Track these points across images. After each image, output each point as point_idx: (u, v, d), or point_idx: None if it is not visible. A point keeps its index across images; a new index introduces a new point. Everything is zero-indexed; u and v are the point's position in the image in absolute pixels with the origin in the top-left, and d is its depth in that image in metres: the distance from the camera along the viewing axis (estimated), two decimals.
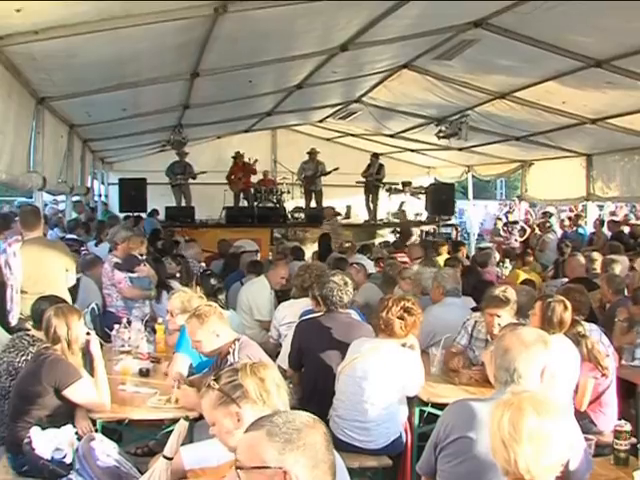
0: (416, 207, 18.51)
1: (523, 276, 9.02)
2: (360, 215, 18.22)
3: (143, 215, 14.82)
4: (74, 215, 13.07)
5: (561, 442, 2.37)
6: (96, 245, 10.45)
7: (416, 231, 17.41)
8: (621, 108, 10.10)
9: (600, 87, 9.26)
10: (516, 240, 16.39)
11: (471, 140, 13.52)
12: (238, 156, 16.63)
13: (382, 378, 4.58)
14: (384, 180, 17.37)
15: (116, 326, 6.04)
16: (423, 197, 17.99)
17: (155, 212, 15.57)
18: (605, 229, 14.68)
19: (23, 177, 7.14)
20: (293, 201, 18.03)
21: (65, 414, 4.25)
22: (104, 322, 7.15)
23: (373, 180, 17.08)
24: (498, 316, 5.07)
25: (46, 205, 13.60)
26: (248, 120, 15.22)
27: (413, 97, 12.42)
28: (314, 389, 5.12)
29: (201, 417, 3.80)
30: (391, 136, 16.53)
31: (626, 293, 6.89)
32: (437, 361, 5.37)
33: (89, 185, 14.24)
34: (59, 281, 6.29)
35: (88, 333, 4.51)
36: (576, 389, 4.65)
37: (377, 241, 16.08)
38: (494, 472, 2.60)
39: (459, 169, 19.11)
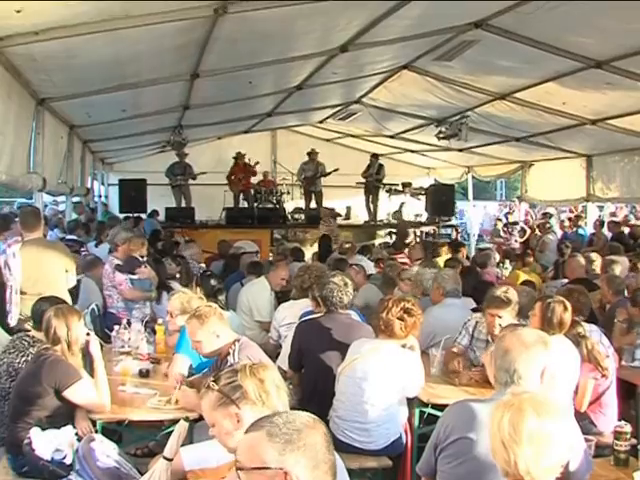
0: (416, 208, 18.50)
1: (523, 277, 9.01)
2: (360, 216, 18.22)
3: (143, 216, 14.81)
4: (74, 216, 13.05)
5: (561, 443, 2.37)
6: (96, 246, 10.45)
7: (416, 232, 17.43)
8: (621, 109, 10.10)
9: (600, 88, 9.26)
10: (516, 241, 16.39)
11: (471, 141, 13.52)
12: (239, 156, 16.61)
13: (382, 379, 4.58)
14: (384, 180, 17.36)
15: (116, 327, 6.04)
16: (423, 198, 17.99)
17: (155, 213, 15.57)
18: (605, 230, 14.67)
19: (23, 178, 7.14)
20: (293, 202, 18.03)
21: (65, 415, 4.25)
22: (105, 323, 7.16)
23: (373, 181, 17.07)
24: (499, 317, 5.07)
25: (46, 206, 13.61)
26: (248, 121, 15.22)
27: (413, 98, 12.42)
28: (314, 390, 5.12)
29: (201, 418, 3.80)
30: (391, 137, 16.54)
31: (626, 294, 6.89)
32: (437, 362, 5.37)
33: (89, 186, 14.23)
34: (59, 282, 6.29)
35: (88, 334, 4.52)
36: (576, 390, 4.65)
37: (377, 242, 16.08)
38: (494, 473, 2.60)
39: (459, 170, 19.11)
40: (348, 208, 18.36)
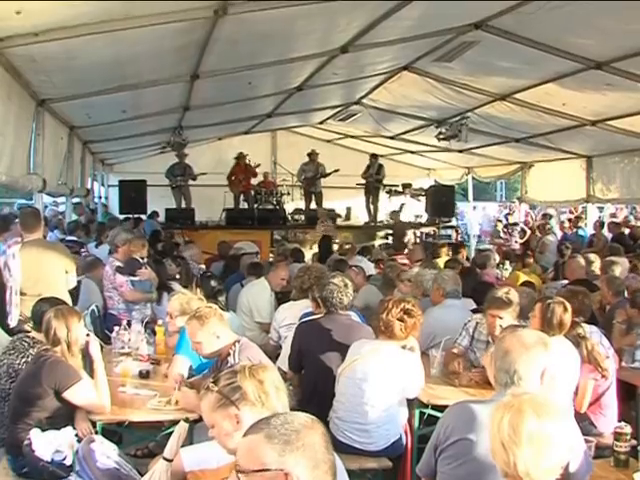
0: (416, 209, 18.50)
1: (523, 278, 9.01)
2: (360, 217, 18.22)
3: (143, 217, 14.81)
4: (74, 217, 13.06)
5: (561, 445, 2.37)
6: (96, 247, 10.46)
7: (416, 233, 17.44)
8: (621, 110, 10.11)
9: (600, 89, 9.27)
10: (516, 242, 16.38)
11: (471, 142, 13.53)
12: (241, 157, 16.60)
13: (382, 380, 4.58)
14: (384, 181, 17.37)
15: (116, 328, 6.04)
16: (423, 199, 17.99)
17: (155, 214, 15.56)
18: (606, 231, 14.66)
19: (23, 179, 7.14)
20: (293, 203, 18.05)
21: (65, 416, 4.25)
22: (105, 324, 7.16)
23: (373, 181, 17.08)
24: (500, 318, 5.07)
25: (46, 207, 13.60)
26: (248, 122, 15.22)
27: (413, 99, 12.42)
28: (314, 391, 5.12)
29: (201, 419, 3.78)
30: (391, 138, 16.54)
31: (626, 295, 6.89)
32: (437, 363, 5.37)
33: (89, 187, 14.23)
34: (59, 283, 6.29)
35: (88, 335, 4.52)
36: (576, 391, 4.65)
37: (377, 243, 16.09)
38: (494, 474, 2.60)
39: (459, 171, 19.12)
40: (348, 209, 18.37)
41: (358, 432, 4.62)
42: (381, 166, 17.21)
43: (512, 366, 3.02)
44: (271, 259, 12.23)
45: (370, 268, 9.73)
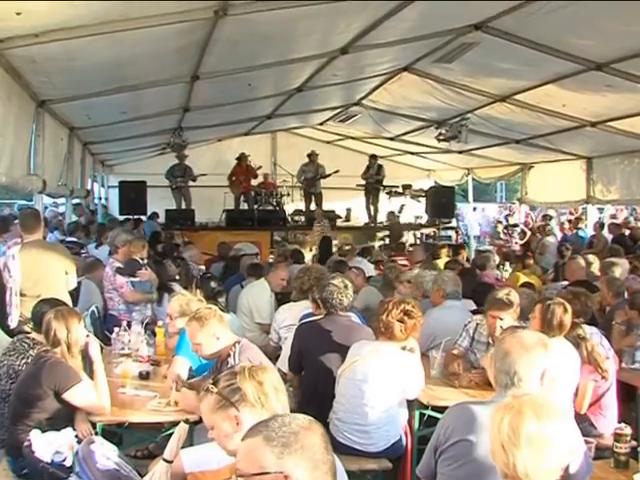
0: (416, 210, 18.51)
1: (523, 279, 9.01)
2: (360, 218, 18.22)
3: (143, 218, 14.81)
4: (74, 218, 13.07)
5: (561, 446, 2.37)
6: (96, 248, 10.45)
7: (416, 234, 17.45)
8: (621, 111, 10.11)
9: (600, 90, 9.27)
10: (516, 243, 16.38)
11: (471, 143, 13.54)
12: (242, 157, 16.60)
13: (382, 381, 4.58)
14: (384, 182, 17.36)
15: (116, 329, 6.04)
16: (423, 200, 17.99)
17: (155, 215, 15.56)
18: (606, 232, 14.66)
19: (23, 180, 7.14)
20: (293, 204, 18.05)
21: (65, 417, 4.25)
22: (106, 325, 7.16)
23: (373, 182, 17.08)
24: (501, 319, 5.06)
25: (46, 208, 13.60)
26: (248, 123, 15.23)
27: (413, 100, 12.43)
28: (314, 392, 5.12)
29: (201, 420, 3.77)
30: (391, 139, 16.55)
31: (626, 296, 6.88)
32: (437, 364, 5.37)
33: (89, 188, 14.25)
34: (59, 284, 6.28)
35: (87, 336, 4.52)
36: (576, 392, 4.64)
37: (377, 244, 16.09)
38: (494, 475, 2.60)
39: (459, 172, 19.12)
40: (348, 210, 18.36)
41: (358, 433, 4.62)
42: (381, 166, 17.21)
43: (512, 367, 3.02)
44: (271, 260, 12.23)
45: (370, 269, 9.74)
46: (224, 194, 16.65)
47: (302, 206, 17.56)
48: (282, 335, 6.27)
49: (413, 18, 7.54)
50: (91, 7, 5.08)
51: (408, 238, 17.01)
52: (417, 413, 4.91)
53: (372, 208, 17.49)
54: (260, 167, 16.97)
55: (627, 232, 14.70)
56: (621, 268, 8.35)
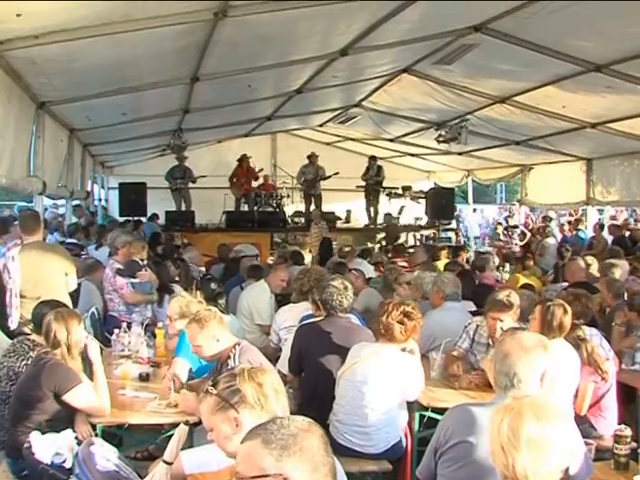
0: (416, 211, 18.51)
1: (523, 280, 9.01)
2: (361, 220, 18.21)
3: (143, 219, 14.81)
4: (74, 219, 13.07)
5: (561, 449, 2.36)
6: (96, 249, 10.45)
7: (416, 235, 17.45)
8: (621, 112, 10.12)
9: (600, 91, 9.28)
10: (516, 244, 16.39)
11: (471, 144, 13.55)
12: (244, 159, 16.59)
13: (382, 383, 4.57)
14: (384, 183, 17.34)
15: (116, 330, 6.04)
16: (423, 201, 17.99)
17: (155, 216, 15.56)
18: (606, 233, 14.67)
19: (23, 181, 7.15)
20: (293, 205, 18.04)
21: (65, 419, 4.24)
22: (106, 327, 7.15)
23: (373, 183, 17.07)
24: (501, 320, 5.06)
25: (46, 209, 13.59)
26: (248, 124, 15.24)
27: (413, 101, 12.44)
28: (314, 394, 5.12)
29: (201, 422, 3.78)
30: (391, 140, 16.57)
31: (626, 297, 6.88)
32: (437, 365, 5.36)
33: (89, 189, 14.25)
34: (59, 285, 6.28)
35: (87, 337, 4.51)
36: (576, 393, 4.64)
37: (375, 245, 16.07)
38: (494, 477, 2.60)
39: (459, 173, 19.14)
40: (348, 211, 18.37)
41: (358, 435, 4.62)
42: (380, 167, 17.19)
43: (512, 369, 3.02)
44: (271, 261, 12.22)
45: (370, 271, 9.73)
46: (224, 196, 16.64)
47: (302, 208, 17.53)
48: (282, 336, 6.26)
49: (413, 20, 7.55)
50: (91, 8, 5.09)
51: (408, 239, 17.02)
52: (417, 415, 4.90)
53: (372, 210, 17.47)
54: (262, 169, 16.99)
55: (627, 233, 14.71)
56: (621, 269, 8.36)
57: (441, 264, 9.70)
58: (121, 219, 14.85)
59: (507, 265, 11.43)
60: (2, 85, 5.97)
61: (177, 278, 8.20)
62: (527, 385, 2.99)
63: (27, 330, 5.33)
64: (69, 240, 10.91)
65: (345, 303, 5.33)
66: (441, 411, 4.18)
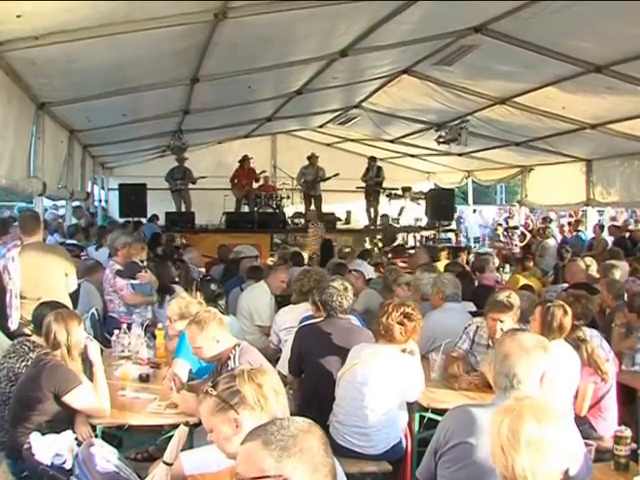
0: (416, 212, 18.51)
1: (523, 281, 9.01)
2: (361, 221, 18.21)
3: (143, 220, 14.81)
4: (74, 220, 13.07)
5: (561, 450, 2.36)
6: (96, 250, 10.45)
7: (416, 236, 17.45)
8: (621, 113, 10.12)
9: (600, 92, 9.28)
10: (516, 245, 16.40)
11: (471, 145, 13.55)
12: (245, 160, 16.59)
13: (382, 384, 4.57)
14: (384, 184, 17.36)
15: (116, 331, 6.04)
16: (423, 202, 18.00)
17: (155, 217, 15.56)
18: (606, 234, 14.68)
19: (23, 182, 7.15)
20: (293, 206, 18.02)
21: (65, 420, 4.24)
22: (106, 328, 7.15)
23: (373, 184, 17.07)
24: (501, 321, 5.06)
25: (46, 210, 13.59)
26: (248, 125, 15.24)
27: (413, 102, 12.44)
28: (314, 395, 5.12)
29: (201, 423, 3.78)
30: (391, 141, 16.57)
31: (626, 298, 6.88)
32: (437, 366, 5.36)
33: (89, 190, 14.25)
34: (59, 286, 6.28)
35: (87, 338, 4.51)
36: (576, 394, 4.64)
37: (372, 246, 16.08)
38: (494, 478, 2.59)
39: (459, 174, 19.14)
40: (348, 212, 18.36)
41: (358, 436, 4.62)
42: (380, 168, 17.20)
43: (511, 370, 3.02)
44: (271, 262, 12.21)
45: (370, 272, 9.72)
46: (224, 197, 16.64)
47: (302, 209, 17.53)
48: (282, 337, 6.26)
49: (413, 21, 7.55)
50: (91, 9, 5.09)
51: (408, 240, 17.02)
52: (417, 416, 4.90)
53: (372, 211, 17.47)
54: (263, 171, 17.00)
55: (627, 234, 14.71)
56: (621, 270, 8.36)
57: (441, 265, 9.69)
58: (121, 220, 14.85)
59: (507, 266, 11.42)
60: (2, 86, 5.97)
61: (177, 279, 8.19)
62: (527, 386, 2.99)
63: (27, 331, 5.33)
64: (69, 241, 10.91)
65: (345, 304, 5.32)
66: (441, 412, 4.18)
